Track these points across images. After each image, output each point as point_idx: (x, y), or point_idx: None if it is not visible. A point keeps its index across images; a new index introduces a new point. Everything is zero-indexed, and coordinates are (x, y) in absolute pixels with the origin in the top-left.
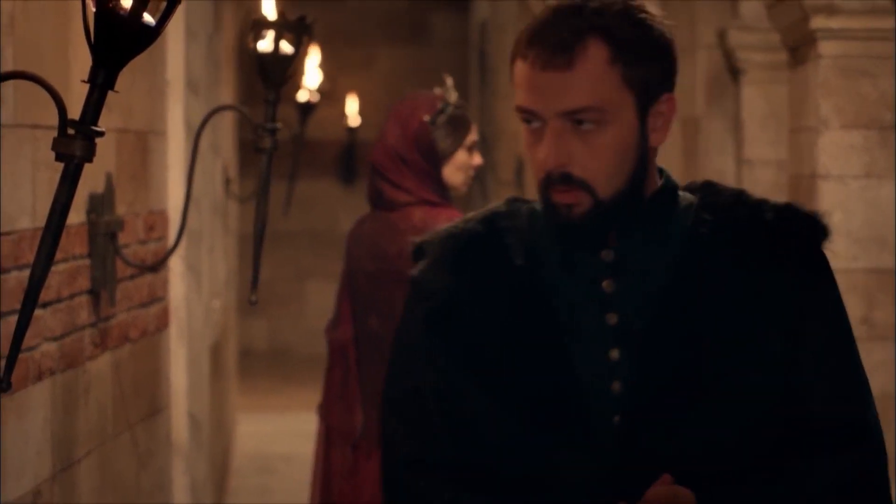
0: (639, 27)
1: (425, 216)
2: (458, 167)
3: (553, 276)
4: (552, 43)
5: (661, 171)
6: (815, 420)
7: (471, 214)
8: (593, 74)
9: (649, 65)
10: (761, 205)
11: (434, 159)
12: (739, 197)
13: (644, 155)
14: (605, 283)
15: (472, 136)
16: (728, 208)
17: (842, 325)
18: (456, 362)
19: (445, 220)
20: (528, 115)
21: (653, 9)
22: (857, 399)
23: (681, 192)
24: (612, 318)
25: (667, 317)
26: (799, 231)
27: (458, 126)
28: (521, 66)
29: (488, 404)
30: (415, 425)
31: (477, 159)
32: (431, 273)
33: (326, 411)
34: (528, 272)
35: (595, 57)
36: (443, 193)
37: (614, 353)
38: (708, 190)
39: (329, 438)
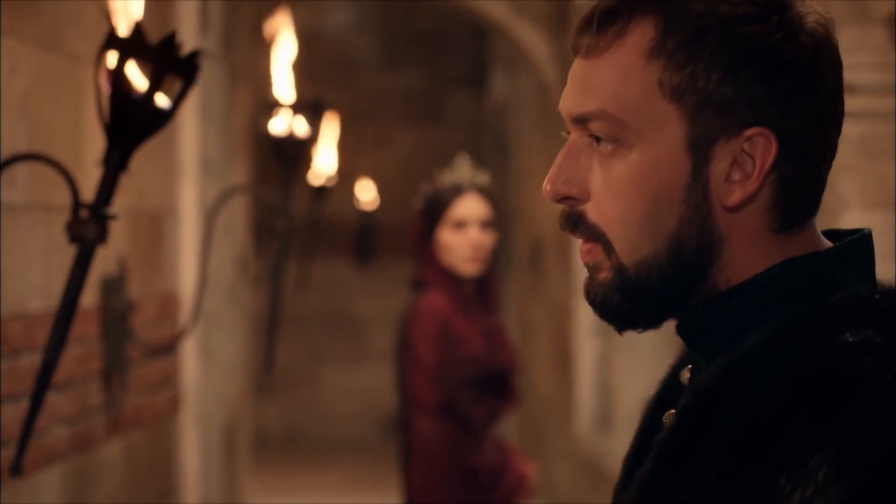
0: (725, 15)
1: (418, 299)
2: (447, 248)
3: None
4: (587, 18)
5: (832, 249)
6: None
7: None
8: (619, 68)
9: (721, 73)
10: (825, 368)
11: (425, 242)
12: (822, 330)
13: (703, 213)
14: (668, 414)
15: (458, 213)
16: (791, 345)
17: None
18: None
19: (425, 305)
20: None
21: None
22: None
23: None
24: (648, 464)
25: (655, 473)
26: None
27: (432, 206)
28: None
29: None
30: None
31: (473, 236)
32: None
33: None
34: (671, 386)
35: (633, 44)
36: (441, 276)
37: None
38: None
39: None
